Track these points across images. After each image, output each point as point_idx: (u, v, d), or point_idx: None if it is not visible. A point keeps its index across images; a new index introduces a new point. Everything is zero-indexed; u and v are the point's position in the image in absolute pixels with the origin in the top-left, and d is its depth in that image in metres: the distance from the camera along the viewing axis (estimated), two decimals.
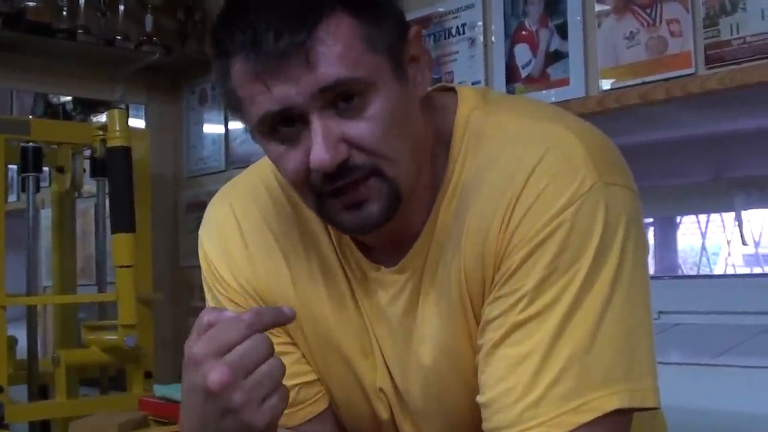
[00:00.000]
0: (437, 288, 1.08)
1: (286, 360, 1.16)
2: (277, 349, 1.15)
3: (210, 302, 1.20)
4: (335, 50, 0.94)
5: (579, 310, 0.96)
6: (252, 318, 0.95)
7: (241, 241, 1.17)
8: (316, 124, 0.96)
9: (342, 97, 0.96)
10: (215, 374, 0.92)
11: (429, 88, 1.10)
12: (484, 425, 1.01)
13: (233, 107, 1.01)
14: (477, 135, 1.06)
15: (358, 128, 0.97)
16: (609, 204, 0.98)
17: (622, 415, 0.97)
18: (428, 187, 1.08)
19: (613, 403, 0.95)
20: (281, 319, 0.99)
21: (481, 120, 1.07)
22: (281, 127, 0.98)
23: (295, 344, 1.17)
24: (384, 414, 1.17)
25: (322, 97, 0.95)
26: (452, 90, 1.13)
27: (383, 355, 1.14)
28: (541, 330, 0.97)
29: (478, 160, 1.05)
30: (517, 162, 1.01)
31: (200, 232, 1.22)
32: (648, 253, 1.04)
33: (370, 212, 1.01)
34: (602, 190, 0.98)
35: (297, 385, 1.16)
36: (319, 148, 0.96)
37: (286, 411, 1.15)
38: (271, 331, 1.16)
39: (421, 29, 1.06)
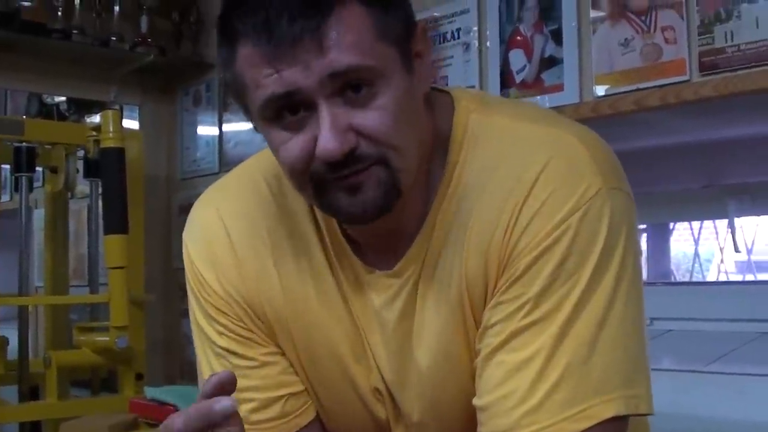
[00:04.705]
0: (436, 291, 1.07)
1: (273, 370, 1.15)
2: (264, 359, 1.14)
3: (194, 309, 1.18)
4: (348, 37, 0.94)
5: (580, 316, 0.96)
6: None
7: (228, 245, 1.15)
8: (325, 112, 0.95)
9: (351, 86, 0.95)
10: None
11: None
12: (481, 429, 1.01)
13: (236, 93, 1.00)
14: (477, 138, 1.05)
15: (367, 118, 0.96)
16: (612, 210, 0.99)
17: (619, 421, 0.97)
18: (424, 187, 1.07)
19: (610, 411, 0.96)
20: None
21: (481, 122, 1.06)
22: (286, 113, 0.97)
23: (282, 353, 1.16)
24: (382, 414, 1.16)
25: (330, 84, 0.94)
26: (446, 92, 1.12)
27: (375, 359, 1.13)
28: (542, 336, 0.97)
29: (478, 163, 1.04)
30: (521, 167, 1.00)
31: (184, 235, 1.20)
32: (641, 257, 1.05)
33: (368, 197, 0.99)
34: (606, 195, 0.99)
35: (285, 395, 1.15)
36: (328, 136, 0.94)
37: (273, 424, 1.14)
38: (257, 340, 1.15)
39: (426, 26, 1.06)
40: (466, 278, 1.04)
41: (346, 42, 0.94)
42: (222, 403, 0.89)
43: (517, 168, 1.01)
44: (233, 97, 1.03)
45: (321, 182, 0.99)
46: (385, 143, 0.97)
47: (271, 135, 1.00)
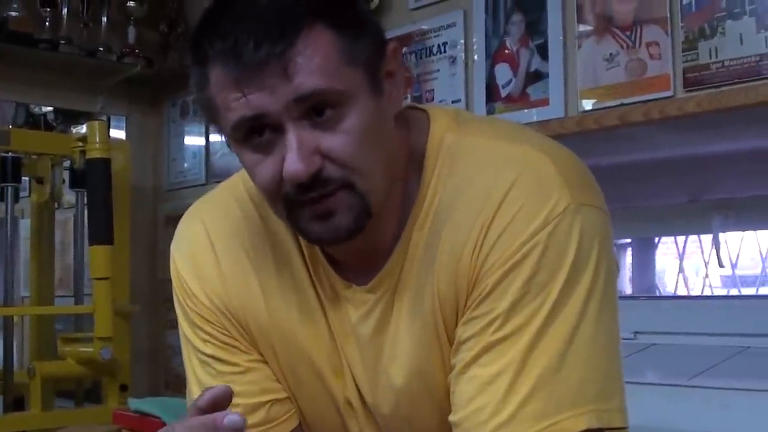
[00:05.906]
0: (410, 308, 1.07)
1: (257, 375, 1.16)
2: (248, 365, 1.16)
3: (181, 319, 1.20)
4: (313, 61, 0.95)
5: (550, 330, 0.97)
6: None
7: (213, 257, 1.17)
8: (291, 135, 0.96)
9: (317, 109, 0.96)
10: None
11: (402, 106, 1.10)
12: None
13: (209, 114, 1.01)
14: (451, 156, 1.06)
15: (333, 141, 0.97)
16: (583, 225, 0.99)
17: None
18: (399, 204, 1.08)
19: (582, 424, 0.96)
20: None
21: (455, 141, 1.07)
22: (255, 135, 0.98)
23: (265, 361, 1.17)
24: (355, 428, 1.17)
25: (297, 108, 0.95)
26: (422, 110, 1.13)
27: (352, 373, 1.14)
28: (512, 350, 0.97)
29: (452, 181, 1.05)
30: (490, 185, 1.01)
31: (172, 247, 1.22)
32: (618, 273, 1.05)
33: (339, 224, 1.00)
34: (576, 211, 0.99)
35: (269, 401, 1.16)
36: (294, 158, 0.96)
37: (258, 430, 1.15)
38: (241, 347, 1.16)
39: (398, 46, 1.06)
40: (438, 296, 1.05)
41: (312, 66, 0.95)
42: (231, 417, 0.86)
43: (487, 186, 1.02)
44: (207, 118, 1.04)
45: (292, 204, 1.01)
46: (350, 166, 0.98)
47: (244, 156, 1.02)
